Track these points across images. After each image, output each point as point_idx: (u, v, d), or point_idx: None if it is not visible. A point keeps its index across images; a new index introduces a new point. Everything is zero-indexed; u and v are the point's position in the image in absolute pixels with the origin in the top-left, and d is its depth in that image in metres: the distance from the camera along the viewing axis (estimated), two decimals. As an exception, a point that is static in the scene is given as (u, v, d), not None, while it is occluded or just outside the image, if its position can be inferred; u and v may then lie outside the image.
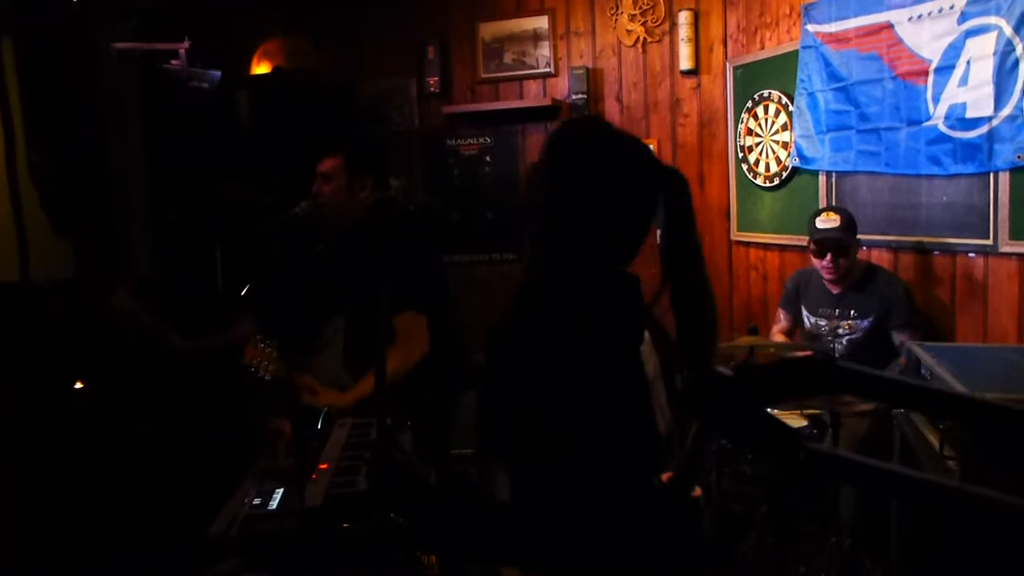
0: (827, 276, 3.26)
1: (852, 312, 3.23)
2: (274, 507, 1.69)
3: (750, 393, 0.59)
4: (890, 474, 0.58)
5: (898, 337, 3.12)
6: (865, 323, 3.20)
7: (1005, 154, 2.84)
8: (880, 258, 3.48)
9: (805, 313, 3.41)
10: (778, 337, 3.55)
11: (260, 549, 1.51)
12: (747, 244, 4.29)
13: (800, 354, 3.25)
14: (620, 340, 1.19)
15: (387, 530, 1.49)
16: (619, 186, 1.26)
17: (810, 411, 3.01)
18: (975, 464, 1.86)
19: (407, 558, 1.72)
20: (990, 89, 2.85)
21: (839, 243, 3.16)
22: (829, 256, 3.18)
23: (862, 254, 3.43)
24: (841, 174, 3.63)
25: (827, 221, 3.20)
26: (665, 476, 0.68)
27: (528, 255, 1.33)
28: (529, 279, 1.30)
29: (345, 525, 1.59)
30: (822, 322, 3.29)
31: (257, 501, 1.70)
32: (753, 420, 0.60)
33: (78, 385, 2.79)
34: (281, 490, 1.75)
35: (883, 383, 0.65)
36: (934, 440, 2.09)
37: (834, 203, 3.63)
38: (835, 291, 3.28)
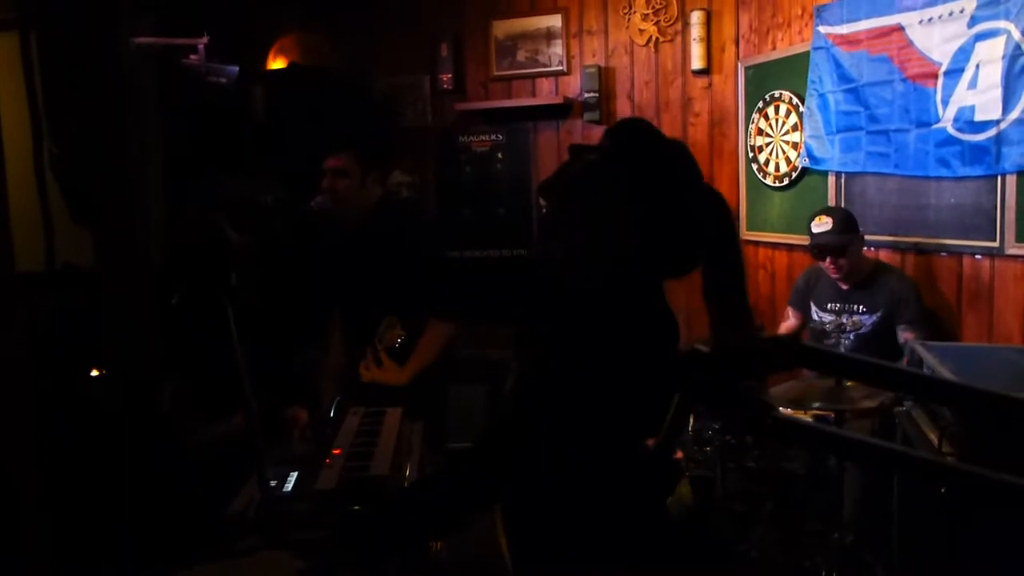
0: (833, 275, 3.30)
1: (860, 308, 3.27)
2: (289, 489, 1.75)
3: (725, 367, 0.67)
4: (841, 438, 0.65)
5: (903, 334, 3.15)
6: (872, 319, 3.23)
7: (1013, 157, 2.86)
8: (887, 259, 3.50)
9: (814, 308, 3.45)
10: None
11: (276, 529, 1.57)
12: (756, 243, 4.32)
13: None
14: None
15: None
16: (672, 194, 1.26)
17: (817, 412, 3.04)
18: (971, 460, 1.89)
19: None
20: (998, 92, 2.87)
21: (834, 245, 3.21)
22: (828, 259, 3.24)
23: (872, 253, 3.46)
24: (850, 175, 3.66)
25: (820, 225, 3.25)
26: (650, 441, 0.75)
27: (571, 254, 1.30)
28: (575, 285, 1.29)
29: (356, 507, 1.65)
30: (830, 317, 3.33)
31: (273, 484, 1.77)
32: (728, 391, 0.67)
33: (94, 373, 2.83)
34: (296, 473, 1.82)
35: (838, 360, 0.71)
36: (934, 437, 2.13)
37: (843, 204, 3.67)
38: (844, 287, 3.32)
